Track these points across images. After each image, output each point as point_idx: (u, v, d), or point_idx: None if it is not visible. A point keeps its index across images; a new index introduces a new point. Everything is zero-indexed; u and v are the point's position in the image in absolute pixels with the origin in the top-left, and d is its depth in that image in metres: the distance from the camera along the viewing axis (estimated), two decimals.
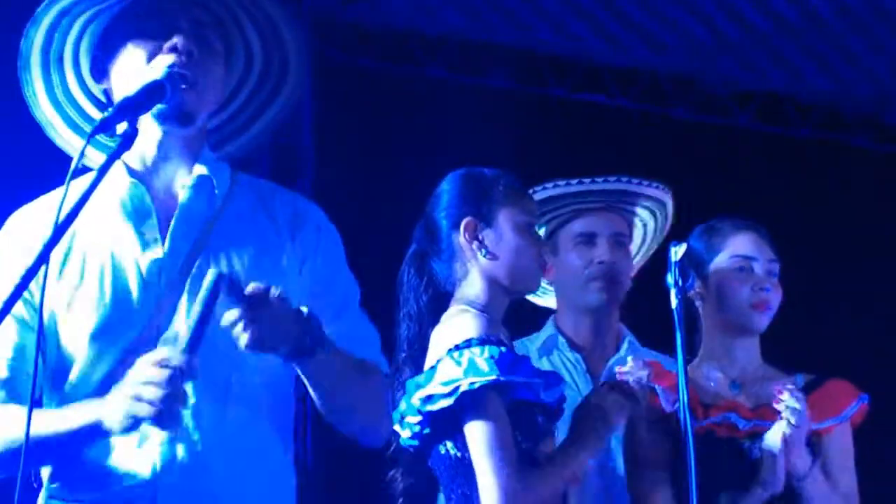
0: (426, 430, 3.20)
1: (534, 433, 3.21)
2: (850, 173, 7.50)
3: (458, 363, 3.10)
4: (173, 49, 2.69)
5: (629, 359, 3.47)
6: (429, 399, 3.13)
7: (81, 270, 2.71)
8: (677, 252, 3.22)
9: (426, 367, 3.21)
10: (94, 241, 2.73)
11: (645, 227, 4.15)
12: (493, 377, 3.07)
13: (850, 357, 5.44)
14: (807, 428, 3.42)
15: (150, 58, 2.70)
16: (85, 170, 2.56)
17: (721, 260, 3.62)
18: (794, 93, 7.57)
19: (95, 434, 2.54)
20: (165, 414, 2.43)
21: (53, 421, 2.60)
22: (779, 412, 3.41)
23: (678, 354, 3.10)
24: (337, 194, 6.09)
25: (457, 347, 3.13)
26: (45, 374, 2.73)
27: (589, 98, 7.33)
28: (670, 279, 3.20)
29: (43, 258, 2.28)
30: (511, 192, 3.39)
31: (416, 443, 3.25)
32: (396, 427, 3.26)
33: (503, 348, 3.13)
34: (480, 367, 3.08)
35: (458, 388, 3.08)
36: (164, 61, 2.68)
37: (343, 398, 2.78)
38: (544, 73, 7.28)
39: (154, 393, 2.42)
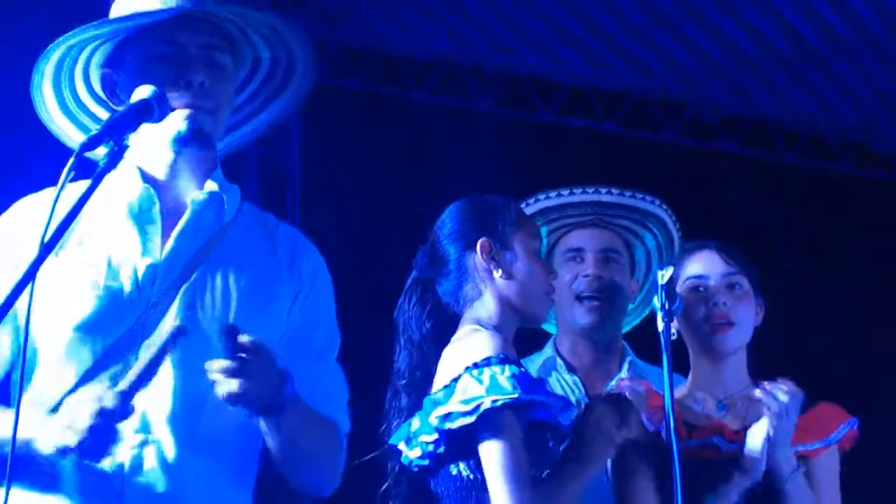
0: (440, 450, 3.17)
1: (545, 457, 3.20)
2: (835, 199, 7.53)
3: (480, 381, 3.08)
4: (188, 83, 2.76)
5: (624, 369, 3.42)
6: (448, 417, 3.11)
7: (77, 263, 2.73)
8: (664, 275, 3.22)
9: (438, 386, 3.19)
10: (95, 237, 2.76)
11: (645, 244, 4.07)
12: (516, 395, 3.06)
13: (839, 380, 5.43)
14: (792, 425, 3.42)
15: (167, 83, 2.75)
16: (88, 169, 2.56)
17: (680, 286, 3.62)
18: (780, 118, 7.60)
19: (25, 450, 2.54)
20: (90, 447, 2.49)
21: None
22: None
23: (665, 377, 3.10)
24: (322, 215, 6.11)
25: (476, 365, 3.11)
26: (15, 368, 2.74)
27: (575, 122, 7.35)
28: (657, 302, 3.20)
29: (30, 276, 2.28)
30: (523, 218, 3.43)
31: (426, 462, 3.22)
32: (402, 447, 3.25)
33: (522, 368, 3.13)
34: (503, 385, 3.07)
35: (479, 405, 3.06)
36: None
37: (299, 453, 2.80)
38: (531, 97, 7.30)
39: (83, 424, 2.47)
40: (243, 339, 2.52)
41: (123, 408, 2.49)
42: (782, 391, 3.38)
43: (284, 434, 2.73)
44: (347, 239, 5.87)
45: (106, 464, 2.61)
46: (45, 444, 2.52)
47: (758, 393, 3.39)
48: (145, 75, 2.76)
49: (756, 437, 3.40)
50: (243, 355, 2.52)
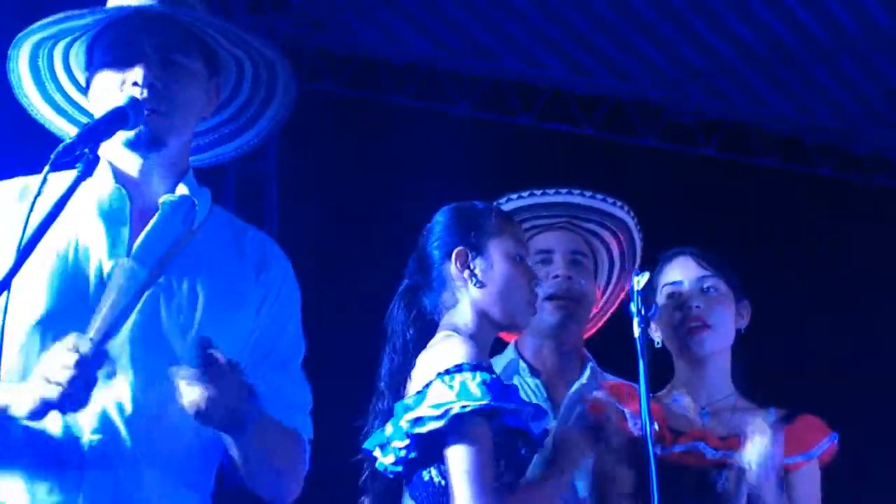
0: (412, 455, 3.18)
1: (517, 464, 3.20)
2: (813, 203, 7.54)
3: (451, 387, 3.09)
4: (135, 83, 2.72)
5: (586, 375, 3.42)
6: (418, 421, 3.12)
7: (43, 257, 2.68)
8: (640, 281, 3.22)
9: (412, 391, 3.20)
10: (61, 234, 2.72)
11: (609, 250, 4.05)
12: (486, 402, 3.07)
13: (820, 386, 5.45)
14: (779, 462, 3.44)
15: (121, 86, 2.73)
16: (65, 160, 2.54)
17: (658, 294, 3.64)
18: (758, 122, 7.63)
19: (1, 418, 2.53)
20: (71, 397, 2.45)
21: None
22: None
23: (641, 383, 3.10)
24: (300, 218, 6.10)
25: (447, 372, 3.12)
26: None
27: (554, 125, 7.36)
28: (633, 308, 3.21)
29: (5, 285, 2.29)
30: (503, 223, 3.40)
31: (399, 468, 3.23)
32: (377, 453, 3.25)
33: (494, 375, 3.14)
34: (473, 391, 3.08)
35: (448, 410, 3.07)
36: (128, 94, 2.71)
37: (261, 466, 2.79)
38: (510, 101, 7.30)
39: (63, 375, 2.44)
40: (216, 354, 2.49)
41: (98, 354, 2.46)
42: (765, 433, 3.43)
43: (248, 449, 2.71)
44: (325, 242, 5.87)
45: (65, 457, 2.61)
46: (23, 403, 2.48)
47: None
48: (102, 76, 2.76)
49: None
50: (212, 368, 2.49)
